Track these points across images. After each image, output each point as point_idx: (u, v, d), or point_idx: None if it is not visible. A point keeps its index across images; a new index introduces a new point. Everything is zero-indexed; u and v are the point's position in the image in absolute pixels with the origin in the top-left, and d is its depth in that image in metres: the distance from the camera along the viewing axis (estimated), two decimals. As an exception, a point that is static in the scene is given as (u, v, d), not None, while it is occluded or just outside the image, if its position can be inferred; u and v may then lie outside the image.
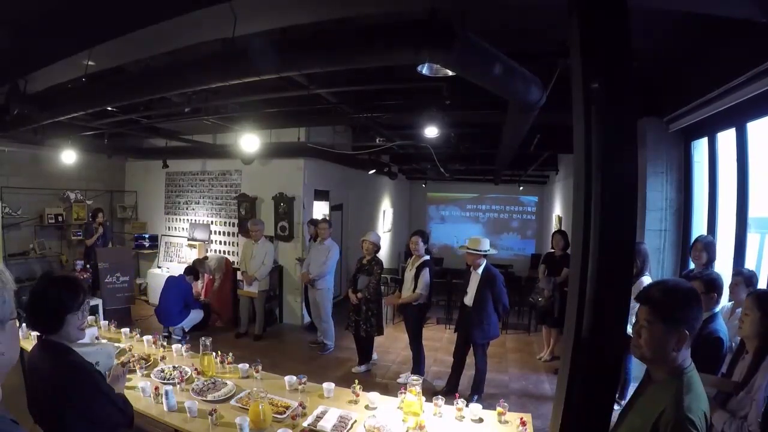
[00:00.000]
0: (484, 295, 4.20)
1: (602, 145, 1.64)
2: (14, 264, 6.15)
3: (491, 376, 4.60)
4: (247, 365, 3.03)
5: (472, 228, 12.87)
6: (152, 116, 5.13)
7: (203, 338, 3.08)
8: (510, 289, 4.56)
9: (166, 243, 7.95)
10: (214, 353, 3.07)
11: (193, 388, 2.69)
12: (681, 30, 2.96)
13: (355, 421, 2.41)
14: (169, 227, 7.98)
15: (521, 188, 12.00)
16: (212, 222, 7.46)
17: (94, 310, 5.62)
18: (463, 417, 2.50)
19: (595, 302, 1.65)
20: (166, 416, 2.44)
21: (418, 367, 4.65)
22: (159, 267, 7.81)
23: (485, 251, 4.27)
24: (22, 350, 1.78)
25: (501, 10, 2.72)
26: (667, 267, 4.35)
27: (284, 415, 2.41)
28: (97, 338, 3.36)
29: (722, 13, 2.29)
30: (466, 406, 2.58)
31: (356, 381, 2.79)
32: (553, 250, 5.58)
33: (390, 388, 4.38)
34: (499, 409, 2.52)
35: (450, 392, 4.04)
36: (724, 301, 2.79)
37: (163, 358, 3.15)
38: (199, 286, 6.51)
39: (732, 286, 2.76)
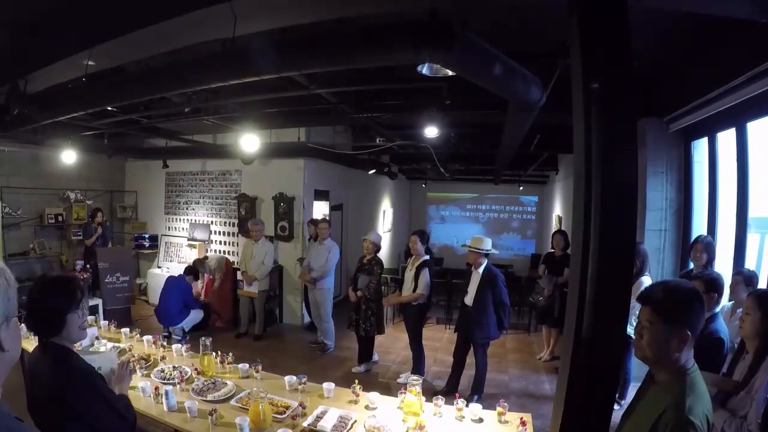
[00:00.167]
0: (484, 295, 4.20)
1: (602, 145, 1.64)
2: (14, 264, 6.13)
3: (491, 376, 4.60)
4: (247, 365, 3.03)
5: (472, 228, 12.85)
6: (152, 116, 5.13)
7: (203, 338, 3.08)
8: (510, 289, 4.56)
9: (166, 243, 7.95)
10: (214, 353, 3.07)
11: (193, 388, 2.68)
12: (681, 30, 2.96)
13: (355, 421, 2.41)
14: (169, 227, 7.98)
15: (521, 188, 12.02)
16: (212, 222, 7.46)
17: (94, 310, 5.63)
18: (463, 417, 2.50)
19: (595, 302, 1.65)
20: (166, 416, 2.44)
21: (418, 367, 4.65)
22: (159, 267, 7.82)
23: (487, 250, 4.27)
24: (23, 351, 1.77)
25: (501, 10, 2.72)
26: (667, 267, 4.35)
27: (284, 415, 2.41)
28: (97, 338, 3.36)
29: (722, 13, 2.28)
30: (466, 406, 2.58)
31: (356, 381, 2.79)
32: (553, 250, 5.59)
33: (390, 388, 4.39)
34: (499, 409, 2.51)
35: (450, 392, 4.04)
36: (725, 301, 2.79)
37: (163, 358, 3.15)
38: (199, 286, 6.50)
39: (732, 286, 2.76)
